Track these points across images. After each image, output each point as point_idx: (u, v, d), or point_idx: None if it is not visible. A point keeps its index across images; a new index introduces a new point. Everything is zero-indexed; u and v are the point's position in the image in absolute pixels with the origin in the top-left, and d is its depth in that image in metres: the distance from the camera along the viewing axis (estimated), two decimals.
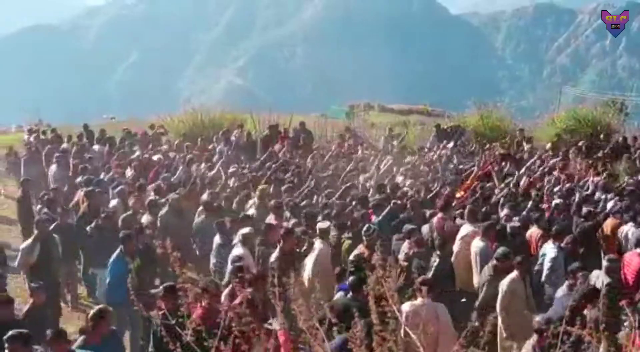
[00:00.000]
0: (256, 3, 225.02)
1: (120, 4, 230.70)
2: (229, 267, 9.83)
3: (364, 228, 10.18)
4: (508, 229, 10.75)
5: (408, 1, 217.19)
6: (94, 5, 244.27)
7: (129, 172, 15.51)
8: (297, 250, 10.11)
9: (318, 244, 10.12)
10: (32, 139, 20.56)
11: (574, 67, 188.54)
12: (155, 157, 16.79)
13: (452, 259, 10.40)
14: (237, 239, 10.28)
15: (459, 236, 10.78)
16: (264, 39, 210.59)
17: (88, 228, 11.41)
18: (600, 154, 16.82)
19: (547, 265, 9.78)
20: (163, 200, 12.57)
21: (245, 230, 10.26)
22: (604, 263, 9.07)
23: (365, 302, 4.47)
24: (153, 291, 8.81)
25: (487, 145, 18.88)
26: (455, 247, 10.64)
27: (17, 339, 6.44)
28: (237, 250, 9.91)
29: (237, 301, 7.06)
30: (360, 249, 9.91)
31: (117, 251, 9.83)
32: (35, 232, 10.65)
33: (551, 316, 7.79)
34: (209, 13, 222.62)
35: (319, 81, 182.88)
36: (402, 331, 4.84)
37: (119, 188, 13.35)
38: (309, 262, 9.90)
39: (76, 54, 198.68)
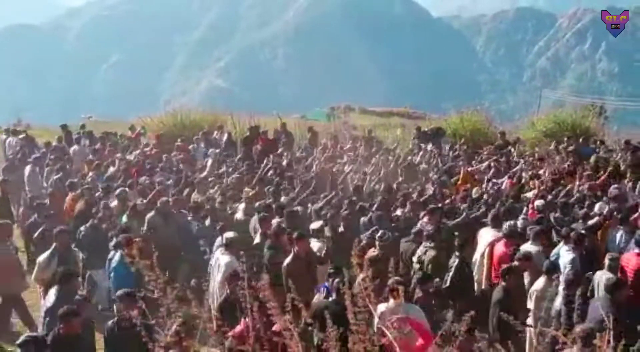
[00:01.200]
0: (239, 4, 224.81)
1: (100, 5, 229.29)
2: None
3: (379, 233, 10.18)
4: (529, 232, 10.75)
5: (390, 4, 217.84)
6: (74, 6, 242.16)
7: (111, 170, 15.44)
8: (319, 255, 10.04)
9: (314, 242, 10.21)
10: (16, 140, 20.18)
11: (553, 70, 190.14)
12: (131, 156, 16.74)
13: (477, 261, 10.68)
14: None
15: (484, 240, 10.95)
16: (245, 40, 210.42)
17: (82, 228, 11.23)
18: (592, 159, 16.91)
19: (567, 267, 9.64)
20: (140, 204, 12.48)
21: (230, 234, 10.15)
22: (607, 261, 9.22)
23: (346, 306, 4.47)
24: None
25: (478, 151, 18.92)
26: (479, 250, 10.84)
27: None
28: (224, 258, 9.78)
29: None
30: (374, 253, 9.85)
31: (118, 253, 9.73)
32: (54, 244, 10.04)
33: (593, 322, 7.53)
34: (192, 14, 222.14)
35: (300, 83, 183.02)
36: (377, 332, 4.84)
37: (119, 190, 13.16)
38: None
39: (57, 54, 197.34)
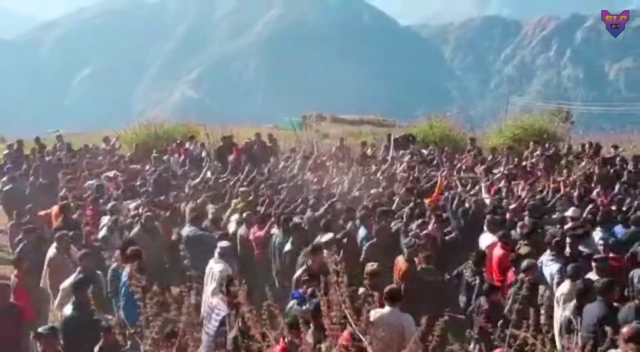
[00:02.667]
0: (210, 16, 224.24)
1: (73, 18, 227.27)
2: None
3: (406, 240, 10.16)
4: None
5: (359, 13, 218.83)
6: (47, 19, 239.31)
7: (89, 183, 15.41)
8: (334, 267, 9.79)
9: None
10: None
11: (520, 77, 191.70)
12: (111, 173, 16.67)
13: None
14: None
15: (483, 245, 10.95)
16: (217, 51, 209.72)
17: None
18: (563, 162, 17.17)
19: (555, 278, 9.56)
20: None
21: (224, 243, 10.15)
22: (594, 264, 9.14)
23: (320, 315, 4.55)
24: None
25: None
26: None
27: None
28: (218, 266, 9.75)
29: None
30: (400, 261, 9.93)
31: (128, 267, 9.35)
32: (78, 269, 9.62)
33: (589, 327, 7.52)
34: (164, 26, 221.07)
35: (272, 93, 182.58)
36: (367, 338, 4.98)
37: (111, 204, 12.97)
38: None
39: (31, 67, 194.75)
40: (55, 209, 13.19)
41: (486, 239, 11.14)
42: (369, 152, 19.63)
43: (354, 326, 4.80)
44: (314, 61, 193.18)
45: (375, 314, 7.27)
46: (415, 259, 9.97)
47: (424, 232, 10.98)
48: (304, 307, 8.06)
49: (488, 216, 11.69)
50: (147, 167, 17.54)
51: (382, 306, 7.60)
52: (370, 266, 8.95)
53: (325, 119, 39.32)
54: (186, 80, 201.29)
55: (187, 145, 20.37)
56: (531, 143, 19.93)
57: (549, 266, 9.77)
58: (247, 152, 19.13)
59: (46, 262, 10.36)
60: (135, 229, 11.73)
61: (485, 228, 11.43)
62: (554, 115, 25.75)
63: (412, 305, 9.19)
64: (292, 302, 8.36)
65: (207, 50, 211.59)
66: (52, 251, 10.46)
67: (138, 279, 4.78)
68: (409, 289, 9.48)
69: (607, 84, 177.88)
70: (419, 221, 11.75)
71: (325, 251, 9.95)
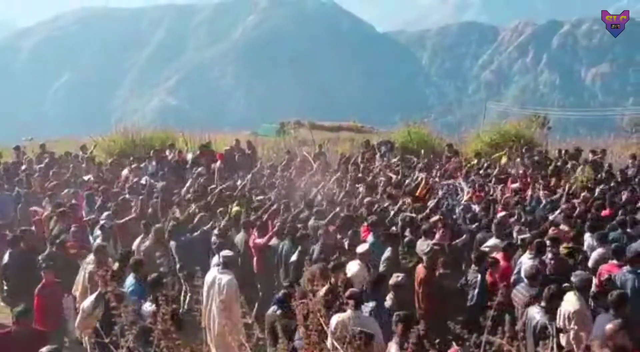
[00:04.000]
0: (187, 23, 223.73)
1: (50, 26, 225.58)
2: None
3: (424, 248, 10.11)
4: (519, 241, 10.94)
5: (336, 20, 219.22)
6: (24, 26, 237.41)
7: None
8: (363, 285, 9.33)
9: (354, 265, 9.99)
10: None
11: (497, 83, 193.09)
12: (86, 177, 16.57)
13: None
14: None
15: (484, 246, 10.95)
16: (195, 58, 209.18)
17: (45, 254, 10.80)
18: (551, 168, 17.27)
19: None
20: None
21: (227, 253, 9.93)
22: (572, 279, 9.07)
23: (293, 318, 4.57)
24: None
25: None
26: None
27: None
28: (225, 277, 9.49)
29: None
30: (420, 269, 9.86)
31: (131, 277, 9.42)
32: (98, 289, 9.04)
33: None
34: (141, 32, 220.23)
35: (250, 100, 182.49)
36: (329, 343, 5.02)
37: (106, 213, 12.84)
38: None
39: (8, 74, 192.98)
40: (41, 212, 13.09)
41: (489, 242, 11.19)
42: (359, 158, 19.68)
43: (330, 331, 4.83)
44: (292, 68, 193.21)
45: (336, 318, 7.33)
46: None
47: (433, 242, 10.86)
48: (271, 308, 8.19)
49: (495, 220, 11.81)
50: (125, 173, 17.44)
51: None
52: (396, 278, 8.90)
53: (304, 125, 39.31)
54: (164, 87, 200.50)
55: (166, 152, 20.30)
56: (506, 149, 20.10)
57: (525, 264, 9.83)
58: (226, 160, 19.07)
59: (86, 279, 10.14)
60: (147, 242, 11.58)
61: (493, 231, 11.47)
62: (532, 121, 25.88)
63: (431, 310, 9.38)
64: (273, 308, 8.36)
65: (185, 57, 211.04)
66: (90, 266, 10.18)
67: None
68: (426, 294, 9.55)
69: (583, 89, 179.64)
70: (437, 217, 11.90)
71: (360, 262, 10.05)
